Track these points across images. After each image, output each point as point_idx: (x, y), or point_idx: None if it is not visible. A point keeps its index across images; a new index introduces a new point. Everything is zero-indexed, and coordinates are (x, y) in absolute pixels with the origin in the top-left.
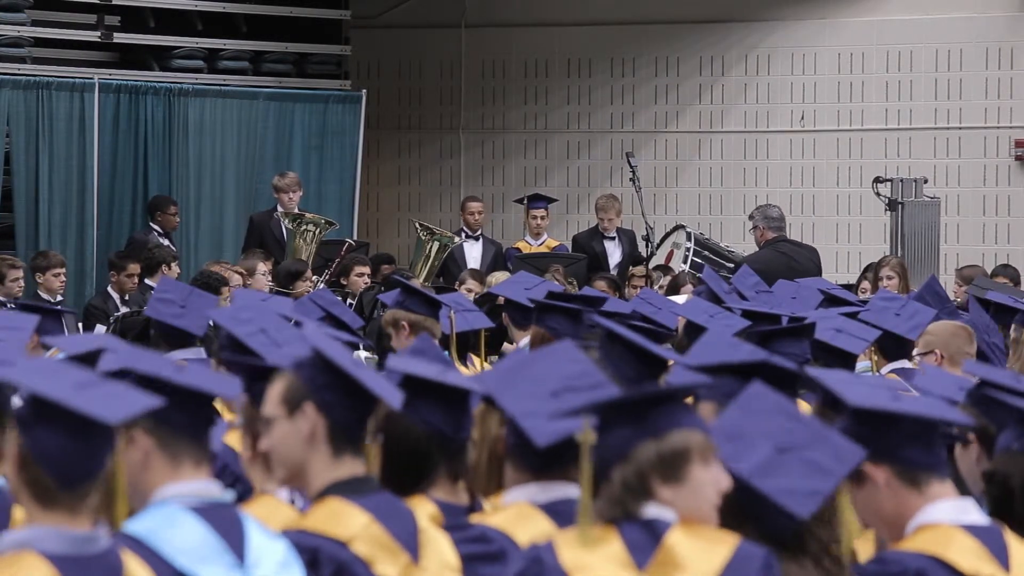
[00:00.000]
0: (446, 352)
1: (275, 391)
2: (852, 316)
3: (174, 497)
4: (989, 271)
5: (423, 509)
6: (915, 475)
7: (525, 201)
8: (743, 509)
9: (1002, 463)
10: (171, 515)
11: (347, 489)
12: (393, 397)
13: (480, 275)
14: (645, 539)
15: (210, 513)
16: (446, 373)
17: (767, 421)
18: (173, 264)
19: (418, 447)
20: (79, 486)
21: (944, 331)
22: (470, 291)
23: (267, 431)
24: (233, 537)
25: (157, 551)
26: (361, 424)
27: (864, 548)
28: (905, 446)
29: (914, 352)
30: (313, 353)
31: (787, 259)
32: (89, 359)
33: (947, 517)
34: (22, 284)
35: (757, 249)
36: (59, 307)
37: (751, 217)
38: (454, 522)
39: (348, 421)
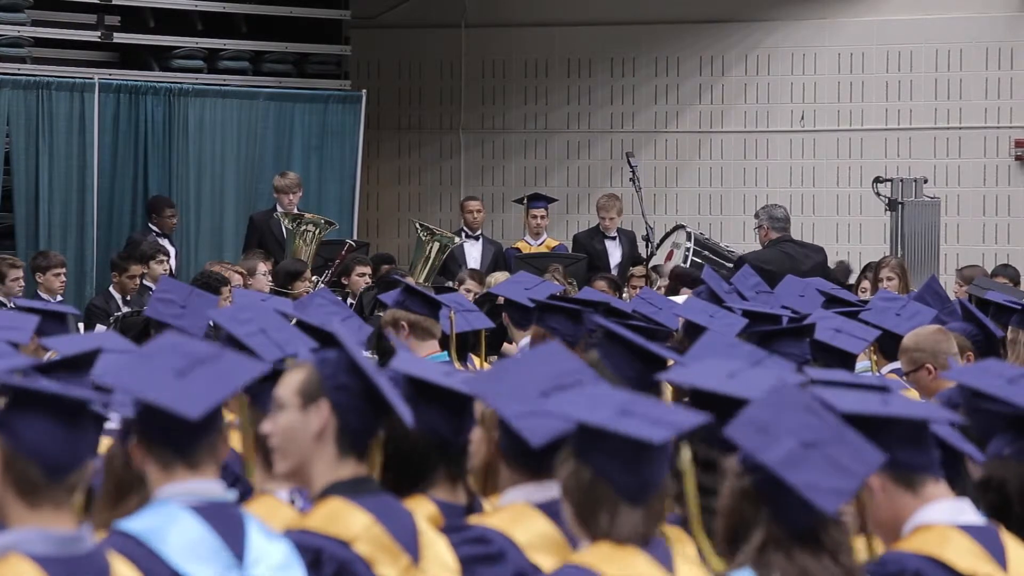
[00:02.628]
0: (446, 352)
1: (293, 379)
2: (852, 316)
3: (175, 496)
4: (989, 271)
5: (423, 509)
6: (910, 477)
7: (525, 201)
8: (763, 501)
9: (996, 469)
10: (170, 513)
11: (348, 489)
12: (407, 414)
13: (479, 275)
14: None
15: (210, 512)
16: (449, 376)
17: (792, 416)
18: (161, 258)
19: (417, 448)
20: (66, 475)
21: (927, 341)
22: (469, 291)
23: (274, 415)
24: (233, 536)
25: (153, 548)
26: (371, 432)
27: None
28: (898, 449)
29: (903, 371)
30: (339, 353)
31: (791, 259)
32: (86, 360)
33: (943, 517)
34: (22, 284)
35: (760, 248)
36: (62, 307)
37: (756, 216)
38: (453, 523)
39: (359, 426)
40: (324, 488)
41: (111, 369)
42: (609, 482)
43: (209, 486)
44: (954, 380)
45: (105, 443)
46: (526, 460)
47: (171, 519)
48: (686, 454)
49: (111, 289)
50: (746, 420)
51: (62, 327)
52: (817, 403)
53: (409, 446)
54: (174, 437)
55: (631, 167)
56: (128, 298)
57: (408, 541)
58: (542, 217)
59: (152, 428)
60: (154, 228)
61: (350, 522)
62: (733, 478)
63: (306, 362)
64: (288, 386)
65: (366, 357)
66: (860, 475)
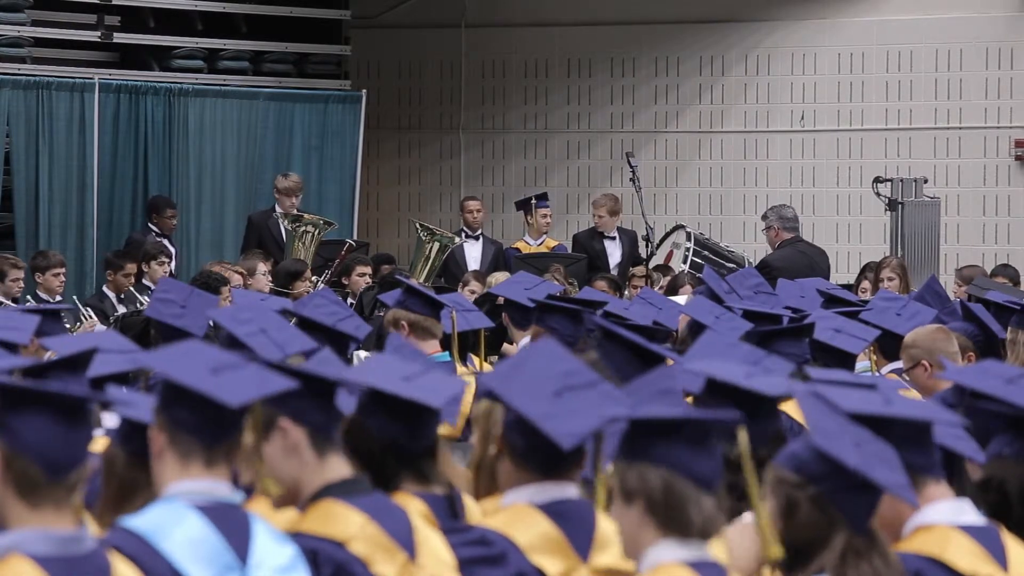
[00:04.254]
0: (447, 352)
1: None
2: (852, 316)
3: (182, 494)
4: (989, 271)
5: (412, 506)
6: (912, 478)
7: (533, 200)
8: (836, 508)
9: (996, 469)
10: (175, 511)
11: (340, 490)
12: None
13: (483, 276)
14: None
15: (216, 512)
16: (407, 381)
17: (833, 420)
18: (163, 259)
19: (373, 454)
20: (66, 474)
21: (925, 339)
22: (473, 292)
23: (248, 461)
24: (237, 538)
25: (154, 546)
26: (335, 418)
27: None
28: (900, 449)
29: (902, 368)
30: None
31: (808, 259)
32: (83, 359)
33: (944, 518)
34: (22, 285)
35: (771, 250)
36: (58, 305)
37: (764, 217)
38: (453, 525)
39: (323, 420)
40: (315, 492)
41: (155, 356)
42: (685, 476)
43: (218, 486)
44: (952, 380)
45: (102, 443)
46: (540, 462)
47: (176, 517)
48: (743, 437)
49: (105, 288)
50: (820, 430)
51: (60, 326)
52: (830, 403)
53: (365, 449)
54: (204, 428)
55: (631, 167)
56: (122, 296)
57: (404, 538)
58: (550, 215)
59: (184, 417)
60: (154, 228)
61: (345, 523)
62: (791, 489)
63: None
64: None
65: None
66: (899, 465)
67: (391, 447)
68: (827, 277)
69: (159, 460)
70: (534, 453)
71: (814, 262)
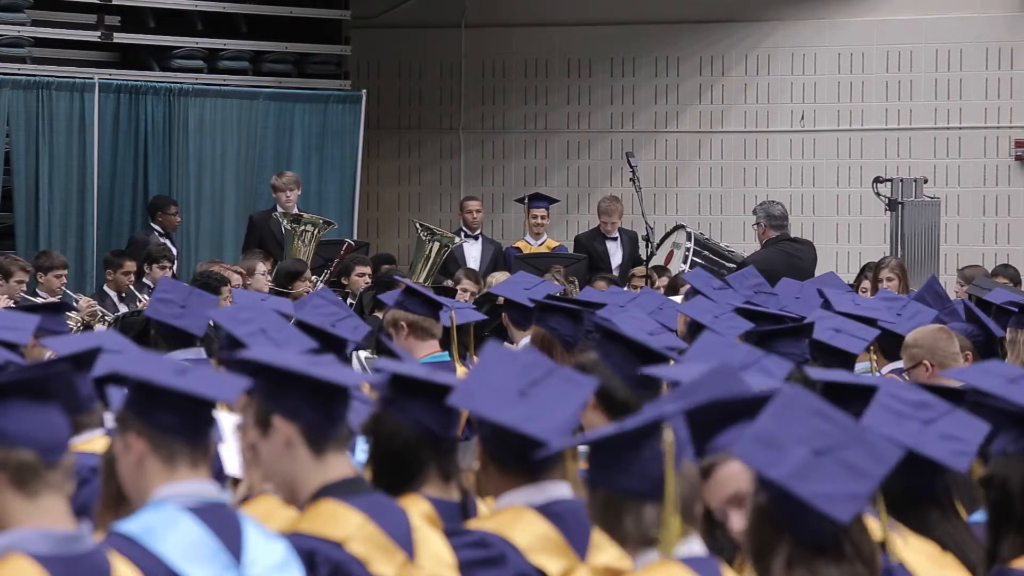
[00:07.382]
0: (446, 352)
1: (246, 419)
2: (855, 316)
3: (171, 497)
4: (989, 271)
5: (417, 508)
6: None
7: (526, 200)
8: (780, 517)
9: (999, 467)
10: (167, 515)
11: (339, 490)
12: (349, 378)
13: (475, 274)
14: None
15: (207, 513)
16: (433, 371)
17: (801, 423)
18: (165, 264)
19: (407, 447)
20: (60, 456)
21: (926, 339)
22: (465, 291)
23: (255, 458)
24: (230, 537)
25: (151, 550)
26: (333, 418)
27: None
28: None
29: (903, 367)
30: (261, 368)
31: (790, 258)
32: (87, 358)
33: None
34: (24, 288)
35: (760, 246)
36: (61, 301)
37: (754, 212)
38: (452, 527)
39: (318, 419)
40: (314, 492)
41: (120, 362)
42: (619, 491)
43: (205, 487)
44: (957, 379)
45: (102, 443)
46: (525, 464)
47: (169, 520)
48: (669, 435)
49: (105, 287)
50: (752, 437)
51: (62, 324)
52: (826, 406)
53: (400, 444)
54: (186, 428)
55: (631, 167)
56: (123, 295)
57: (402, 538)
58: (543, 217)
59: (166, 419)
60: (157, 228)
61: (343, 523)
62: (751, 497)
63: (246, 397)
64: (247, 427)
65: (286, 355)
66: (877, 476)
67: (424, 436)
68: (812, 273)
69: (139, 468)
70: (518, 458)
71: (796, 261)
